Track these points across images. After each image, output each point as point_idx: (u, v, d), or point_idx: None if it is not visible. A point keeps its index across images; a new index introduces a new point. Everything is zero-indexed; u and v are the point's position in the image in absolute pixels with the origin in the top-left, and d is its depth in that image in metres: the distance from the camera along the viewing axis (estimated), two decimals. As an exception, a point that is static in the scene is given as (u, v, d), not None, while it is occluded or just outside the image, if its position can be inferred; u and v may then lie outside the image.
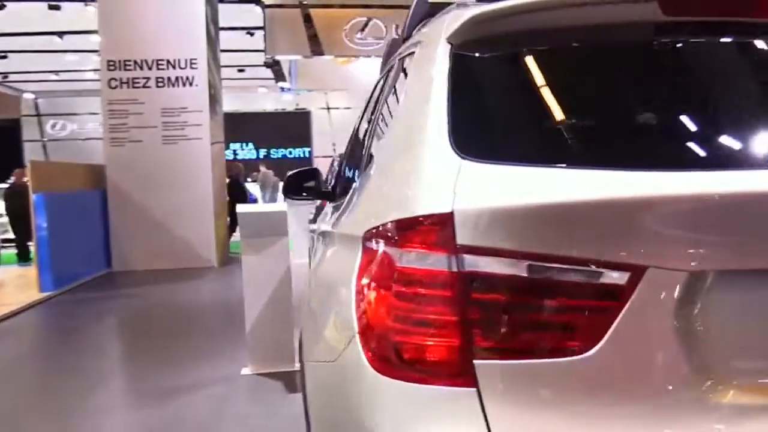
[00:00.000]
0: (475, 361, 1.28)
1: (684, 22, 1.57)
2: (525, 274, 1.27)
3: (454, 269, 1.30)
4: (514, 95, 1.57)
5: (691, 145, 1.44)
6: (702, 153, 1.42)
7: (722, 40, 1.59)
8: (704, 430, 1.25)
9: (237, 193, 12.60)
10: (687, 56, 1.63)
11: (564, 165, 1.34)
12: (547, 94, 1.52)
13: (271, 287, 4.96)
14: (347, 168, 3.11)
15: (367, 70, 18.91)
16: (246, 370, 5.03)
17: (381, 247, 1.43)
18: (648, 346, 1.27)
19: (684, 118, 1.47)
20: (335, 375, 1.57)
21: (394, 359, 1.35)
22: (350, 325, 1.49)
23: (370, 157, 2.09)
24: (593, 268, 1.26)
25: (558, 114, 1.50)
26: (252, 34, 15.95)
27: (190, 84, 10.83)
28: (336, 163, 4.08)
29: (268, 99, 22.99)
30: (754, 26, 1.57)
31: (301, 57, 15.38)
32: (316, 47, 13.97)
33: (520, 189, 1.31)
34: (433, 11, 2.31)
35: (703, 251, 1.26)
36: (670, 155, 1.39)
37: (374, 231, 1.48)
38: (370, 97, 3.04)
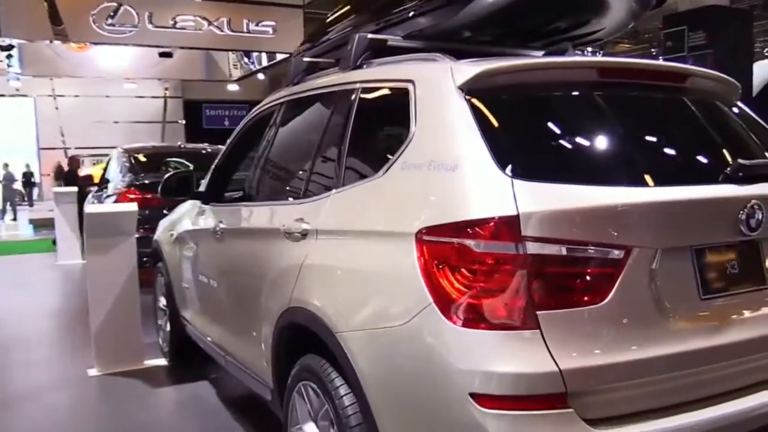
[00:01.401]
0: (537, 312, 1.96)
1: (617, 82, 2.43)
2: (566, 253, 1.97)
3: (521, 252, 1.95)
4: (531, 129, 2.27)
5: (651, 166, 2.27)
6: (662, 172, 2.25)
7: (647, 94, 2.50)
8: (670, 343, 2.08)
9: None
10: (629, 103, 2.46)
11: (577, 182, 2.07)
12: (553, 128, 2.26)
13: (117, 287, 5.09)
14: (269, 176, 3.56)
15: (103, 57, 18.28)
16: (93, 371, 5.12)
17: (453, 239, 2.03)
18: (637, 296, 2.06)
19: (638, 146, 2.33)
20: (406, 335, 2.11)
21: (476, 316, 1.97)
22: (419, 296, 2.06)
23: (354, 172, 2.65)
24: (603, 248, 2.01)
25: (567, 145, 2.24)
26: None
27: None
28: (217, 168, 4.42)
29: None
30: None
31: (43, 41, 14.43)
32: (59, 32, 13.27)
33: (557, 198, 2.01)
34: (372, 45, 2.92)
35: (662, 236, 2.09)
36: (632, 172, 2.19)
37: (437, 228, 2.07)
38: (281, 109, 3.53)
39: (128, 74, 19.77)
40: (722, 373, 2.18)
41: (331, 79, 3.08)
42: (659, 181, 2.17)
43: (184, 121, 23.08)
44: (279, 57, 17.06)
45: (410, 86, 2.44)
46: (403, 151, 2.35)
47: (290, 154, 3.51)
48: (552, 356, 1.93)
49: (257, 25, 14.12)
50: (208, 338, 4.15)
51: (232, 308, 3.69)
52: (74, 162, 14.27)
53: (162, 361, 5.35)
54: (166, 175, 4.46)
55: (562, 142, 2.29)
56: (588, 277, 2.01)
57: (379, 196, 2.41)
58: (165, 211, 6.50)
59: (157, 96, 22.78)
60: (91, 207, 5.12)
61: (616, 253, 2.01)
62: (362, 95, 2.76)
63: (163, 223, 5.31)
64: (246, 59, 20.12)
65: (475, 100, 2.21)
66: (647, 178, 2.18)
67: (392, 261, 2.22)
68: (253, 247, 3.32)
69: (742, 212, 2.19)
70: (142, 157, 8.64)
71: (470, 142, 2.13)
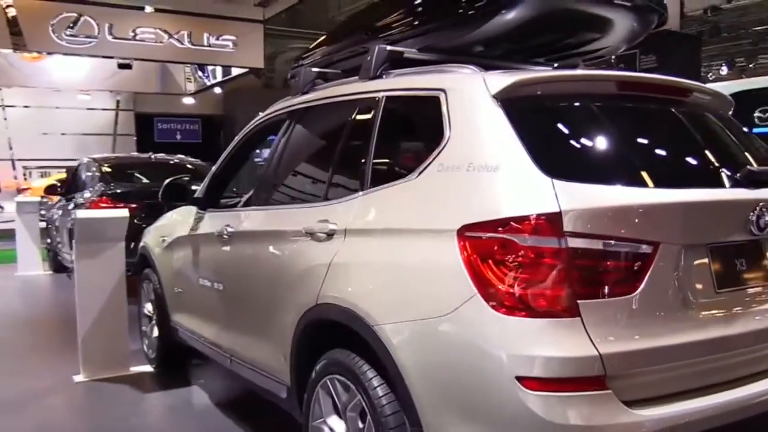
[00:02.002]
0: (578, 301, 2.12)
1: (637, 95, 2.64)
2: (602, 247, 2.14)
3: (564, 246, 2.11)
4: (564, 135, 2.45)
5: (674, 170, 2.48)
6: (683, 176, 2.47)
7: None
8: (693, 331, 2.27)
9: None
10: (649, 113, 2.67)
11: (610, 182, 2.25)
12: (583, 134, 2.45)
13: (105, 293, 5.08)
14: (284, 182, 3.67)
15: (56, 68, 17.94)
16: (79, 377, 5.09)
17: (498, 234, 2.17)
18: (664, 287, 2.24)
19: (660, 152, 2.55)
20: (451, 324, 2.23)
21: (520, 305, 2.12)
22: (463, 288, 2.20)
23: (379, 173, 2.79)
24: (635, 243, 2.18)
25: (598, 149, 2.44)
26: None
27: None
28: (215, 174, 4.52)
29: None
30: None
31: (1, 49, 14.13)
32: (18, 41, 13.04)
33: (593, 197, 2.18)
34: (390, 56, 3.07)
35: (684, 233, 2.29)
36: (657, 175, 2.38)
37: (481, 225, 2.22)
38: (295, 119, 3.65)
39: (82, 86, 19.43)
40: (736, 360, 2.38)
41: (351, 88, 3.21)
42: (681, 184, 2.37)
43: (135, 135, 22.75)
44: (235, 72, 17.04)
45: (441, 95, 2.59)
46: (438, 154, 2.49)
47: (307, 159, 3.62)
48: (592, 341, 2.09)
49: (218, 39, 14.10)
50: (209, 340, 4.19)
51: (242, 309, 3.76)
52: None
53: (147, 368, 5.34)
54: (166, 181, 4.51)
55: (592, 146, 2.48)
56: (621, 270, 2.18)
57: (414, 195, 2.55)
58: (136, 221, 6.53)
59: (108, 108, 22.41)
60: (81, 212, 5.09)
61: (646, 248, 2.19)
62: (388, 103, 2.90)
63: (153, 228, 5.32)
64: (201, 73, 20.00)
65: (509, 108, 2.37)
66: (671, 181, 2.38)
67: (433, 256, 2.36)
68: (269, 248, 3.40)
69: (752, 214, 2.40)
70: (112, 167, 8.57)
71: (509, 146, 2.29)
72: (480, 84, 2.47)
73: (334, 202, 3.01)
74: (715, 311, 2.37)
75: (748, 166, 2.53)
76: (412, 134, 2.92)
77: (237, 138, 4.32)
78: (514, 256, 2.14)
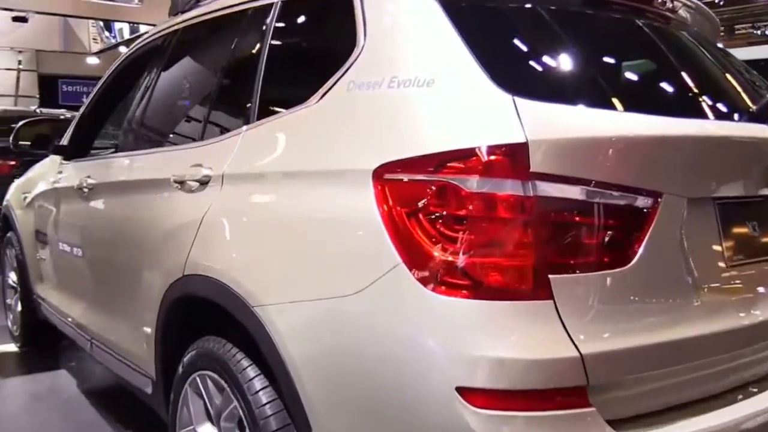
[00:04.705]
0: (550, 276, 1.38)
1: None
2: (587, 198, 1.40)
3: (530, 194, 1.37)
4: (532, 39, 1.68)
5: (675, 94, 1.74)
6: (685, 103, 1.73)
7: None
8: (703, 320, 1.55)
9: None
10: (643, 28, 1.92)
11: (595, 104, 1.52)
12: (559, 39, 1.69)
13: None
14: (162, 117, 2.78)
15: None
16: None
17: (433, 176, 1.41)
18: (666, 259, 1.52)
19: (655, 70, 1.79)
20: (362, 307, 1.48)
21: (466, 281, 1.37)
22: (380, 254, 1.44)
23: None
24: (631, 193, 1.45)
25: (577, 59, 1.67)
26: None
27: None
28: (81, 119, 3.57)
29: None
30: None
31: None
32: None
33: (574, 123, 1.43)
34: None
35: (690, 181, 1.56)
36: (656, 98, 1.65)
37: (407, 163, 1.45)
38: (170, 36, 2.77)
39: (-25, 41, 17.57)
40: (754, 358, 1.70)
41: None
42: (684, 113, 1.65)
43: (38, 97, 20.87)
44: (143, 29, 15.60)
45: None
46: (348, 69, 1.70)
47: (184, 91, 2.76)
48: (570, 336, 1.36)
49: (122, -7, 12.79)
50: (70, 319, 3.29)
51: (102, 280, 2.89)
52: None
53: (12, 347, 4.39)
54: (20, 124, 3.51)
55: (570, 54, 1.71)
56: (612, 231, 1.45)
57: (314, 126, 1.76)
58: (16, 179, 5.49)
59: (9, 68, 20.48)
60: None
61: (644, 200, 1.47)
62: (284, 10, 2.08)
63: (15, 184, 4.32)
64: (107, 33, 18.36)
65: (461, 10, 1.62)
66: (671, 107, 1.66)
67: (338, 210, 1.59)
68: (132, 203, 2.55)
69: None
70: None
71: (450, 50, 1.53)
72: None
73: (212, 140, 2.18)
74: (728, 292, 1.67)
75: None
76: (315, 46, 2.10)
77: (108, 71, 3.39)
78: (456, 208, 1.39)
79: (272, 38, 2.07)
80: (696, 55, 2.06)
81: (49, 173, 3.68)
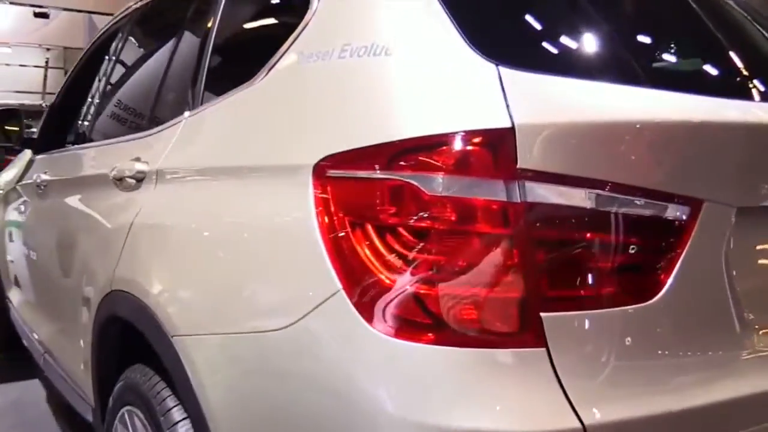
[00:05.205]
0: (543, 315, 0.98)
1: None
2: (597, 207, 1.01)
3: (516, 200, 0.97)
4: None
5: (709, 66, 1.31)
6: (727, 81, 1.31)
7: None
8: (755, 372, 1.14)
9: None
10: None
11: (607, 78, 1.11)
12: None
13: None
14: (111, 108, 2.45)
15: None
16: None
17: (384, 174, 1.02)
18: (705, 290, 1.11)
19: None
20: (289, 346, 1.10)
21: (427, 320, 0.98)
22: (316, 277, 1.06)
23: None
24: (660, 201, 1.05)
25: (577, 22, 1.25)
26: None
27: None
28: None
29: None
30: None
31: None
32: None
33: (578, 102, 1.04)
34: None
35: (754, 186, 1.15)
36: (690, 72, 1.24)
37: (354, 156, 1.07)
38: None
39: (4, 38, 17.50)
40: None
41: None
42: (733, 93, 1.25)
43: (66, 94, 20.85)
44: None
45: None
46: (297, 38, 1.33)
47: (134, 76, 2.43)
48: (569, 399, 0.96)
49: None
50: (26, 327, 2.97)
51: (49, 288, 2.57)
52: None
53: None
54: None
55: (576, 12, 1.31)
56: (631, 252, 1.05)
57: (255, 109, 1.39)
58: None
59: (38, 66, 20.44)
60: None
61: (678, 211, 1.06)
62: None
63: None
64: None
65: None
66: (718, 85, 1.26)
67: (272, 216, 1.21)
68: (75, 202, 2.22)
69: None
70: None
71: (417, 7, 1.13)
72: None
73: (154, 130, 1.81)
74: None
75: None
76: (268, 12, 1.73)
77: (79, 60, 3.07)
78: (415, 217, 0.99)
79: (223, 7, 1.71)
80: (742, 24, 1.64)
81: (19, 168, 3.36)
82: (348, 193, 1.07)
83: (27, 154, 3.33)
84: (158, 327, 1.39)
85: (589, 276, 1.02)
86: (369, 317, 1.00)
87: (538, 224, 0.99)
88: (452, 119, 1.00)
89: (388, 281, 1.00)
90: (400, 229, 1.01)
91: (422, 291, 0.98)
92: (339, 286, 1.03)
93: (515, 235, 0.98)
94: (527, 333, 0.98)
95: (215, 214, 1.37)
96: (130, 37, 2.46)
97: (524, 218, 0.98)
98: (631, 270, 1.04)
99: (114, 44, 2.53)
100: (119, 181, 1.82)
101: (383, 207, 1.02)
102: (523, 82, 1.01)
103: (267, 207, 1.22)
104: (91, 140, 2.46)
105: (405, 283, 0.99)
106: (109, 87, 2.49)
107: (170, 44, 1.99)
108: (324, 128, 1.17)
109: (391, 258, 1.00)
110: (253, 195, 1.27)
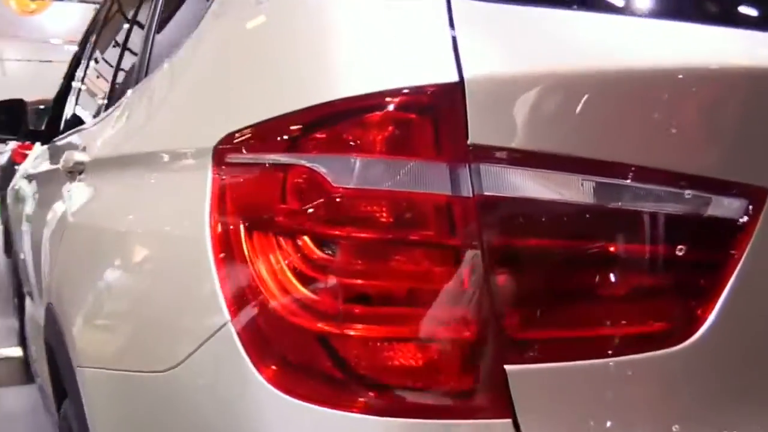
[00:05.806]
0: (507, 368, 0.64)
1: None
2: (601, 203, 0.65)
3: (466, 193, 0.63)
4: None
5: None
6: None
7: None
8: None
9: None
10: None
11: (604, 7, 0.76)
12: None
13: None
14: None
15: (49, 20, 16.41)
16: None
17: (282, 157, 0.70)
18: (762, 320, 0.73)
19: None
20: (167, 394, 0.81)
21: (339, 374, 0.66)
22: (209, 306, 0.75)
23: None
24: (699, 190, 0.67)
25: None
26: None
27: None
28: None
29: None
30: None
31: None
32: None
33: (569, 43, 0.69)
34: None
35: None
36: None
37: (254, 134, 0.74)
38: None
39: (71, 36, 18.03)
40: None
41: None
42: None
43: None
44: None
45: None
46: (211, 3, 1.01)
47: (99, 65, 2.29)
48: None
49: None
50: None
51: (31, 288, 2.39)
52: None
53: (18, 351, 3.89)
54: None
55: None
56: (655, 272, 0.68)
57: (162, 85, 1.09)
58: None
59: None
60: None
61: (728, 206, 0.68)
62: None
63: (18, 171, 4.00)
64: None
65: None
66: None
67: (168, 218, 0.91)
68: (41, 196, 2.04)
69: None
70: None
71: None
72: None
73: (102, 115, 1.56)
74: None
75: None
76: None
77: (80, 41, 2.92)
78: (323, 219, 0.66)
79: None
80: None
81: (28, 161, 3.25)
82: (245, 187, 0.75)
83: (38, 146, 3.22)
84: (65, 351, 1.12)
85: (583, 307, 0.66)
86: (261, 365, 0.68)
87: (500, 230, 0.64)
88: (370, 75, 0.66)
89: (283, 313, 0.67)
90: (303, 238, 0.68)
91: (327, 329, 0.65)
92: (227, 317, 0.71)
93: (464, 246, 0.64)
94: (483, 395, 0.64)
95: (118, 213, 1.09)
96: (104, 27, 2.34)
97: (479, 220, 0.63)
98: (652, 297, 0.68)
99: (94, 33, 2.44)
100: (69, 174, 1.57)
101: (282, 205, 0.70)
102: (481, 14, 0.67)
103: (165, 208, 0.92)
104: (66, 130, 2.27)
105: (307, 317, 0.67)
106: (84, 75, 2.38)
107: (123, 32, 1.80)
108: (230, 101, 0.85)
109: (290, 278, 0.68)
110: (155, 191, 0.98)
